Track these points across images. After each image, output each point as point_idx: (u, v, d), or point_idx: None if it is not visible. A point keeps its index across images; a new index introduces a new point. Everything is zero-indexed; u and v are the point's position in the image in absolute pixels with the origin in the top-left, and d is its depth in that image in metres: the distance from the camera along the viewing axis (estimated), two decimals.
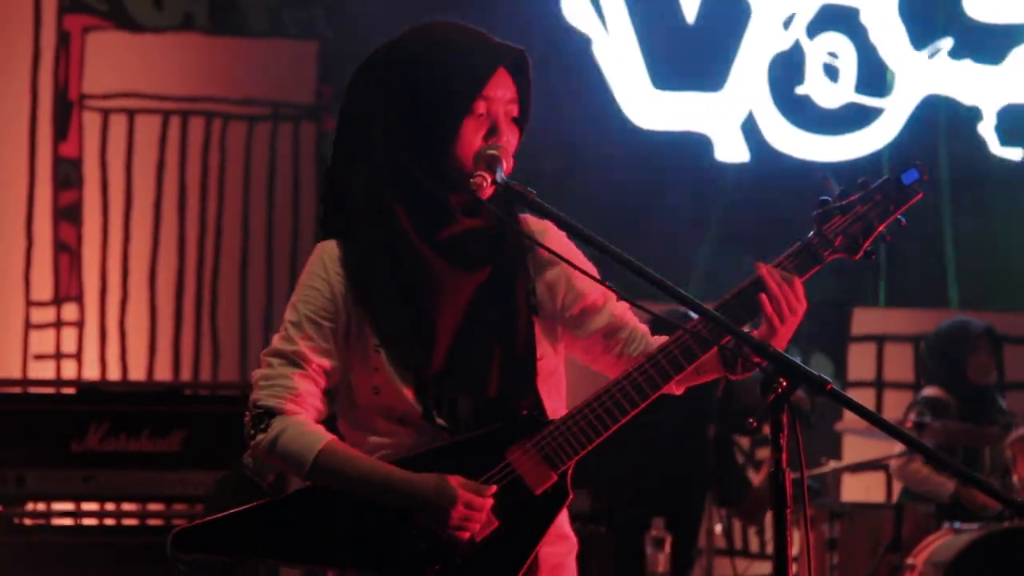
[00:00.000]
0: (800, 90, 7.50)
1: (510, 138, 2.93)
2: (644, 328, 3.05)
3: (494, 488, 2.85)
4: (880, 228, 2.94)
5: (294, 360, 2.88)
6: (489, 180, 2.84)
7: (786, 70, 7.48)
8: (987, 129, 7.59)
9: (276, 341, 2.91)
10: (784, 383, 2.67)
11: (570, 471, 2.90)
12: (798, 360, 2.70)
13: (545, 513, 2.91)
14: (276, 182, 7.47)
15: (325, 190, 2.98)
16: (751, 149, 7.40)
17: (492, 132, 2.92)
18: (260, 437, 2.85)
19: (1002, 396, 7.04)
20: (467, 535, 2.84)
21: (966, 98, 7.60)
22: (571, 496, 2.90)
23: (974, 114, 7.60)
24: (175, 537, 2.89)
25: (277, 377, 2.89)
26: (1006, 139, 7.61)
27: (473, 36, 2.96)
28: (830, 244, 2.95)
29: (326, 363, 2.89)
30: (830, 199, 2.96)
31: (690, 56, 7.48)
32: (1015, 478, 6.50)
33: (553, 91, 6.81)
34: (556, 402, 2.95)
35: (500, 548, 2.89)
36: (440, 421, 2.90)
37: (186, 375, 7.21)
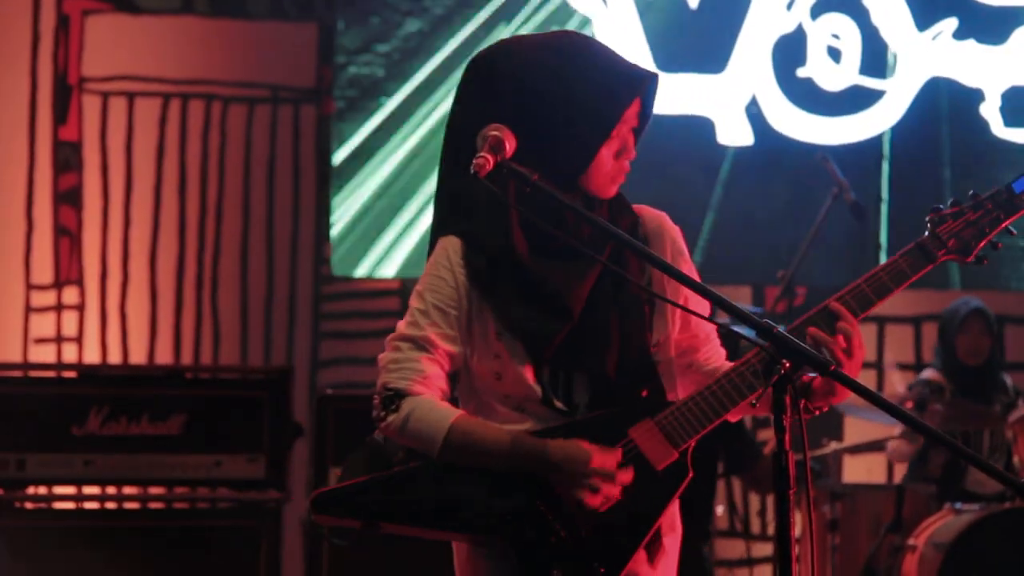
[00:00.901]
0: (802, 72, 7.51)
1: (633, 151, 3.06)
2: (722, 353, 3.19)
3: (620, 452, 2.94)
4: (991, 234, 3.07)
5: (422, 345, 3.00)
6: (492, 161, 2.88)
7: (789, 52, 7.47)
8: (990, 111, 7.57)
9: (403, 327, 3.01)
10: (787, 365, 2.72)
11: (690, 449, 2.98)
12: (799, 340, 2.76)
13: (667, 488, 3.00)
14: (276, 165, 7.47)
15: (441, 191, 3.09)
16: (754, 132, 7.41)
17: (622, 151, 3.06)
18: (391, 418, 2.98)
19: (1006, 375, 7.02)
20: (598, 499, 2.92)
21: (969, 80, 7.63)
22: (691, 474, 2.98)
23: (977, 96, 7.61)
24: (315, 499, 3.01)
25: (406, 361, 3.00)
26: (1010, 120, 7.61)
27: (610, 60, 3.04)
28: (943, 245, 3.06)
29: (452, 348, 3.01)
30: (943, 207, 3.07)
31: (693, 38, 7.48)
32: (1016, 458, 6.56)
33: None
34: (670, 385, 3.06)
35: (623, 521, 2.97)
36: (558, 404, 3.00)
37: (187, 358, 7.24)
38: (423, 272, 3.06)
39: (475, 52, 3.13)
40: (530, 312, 3.01)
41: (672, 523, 3.06)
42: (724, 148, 7.43)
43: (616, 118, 3.02)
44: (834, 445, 6.89)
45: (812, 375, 2.97)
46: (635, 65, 3.05)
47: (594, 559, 2.97)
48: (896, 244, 7.45)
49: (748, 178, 7.41)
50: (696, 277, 3.05)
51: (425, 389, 3.00)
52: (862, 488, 6.91)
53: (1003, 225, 3.08)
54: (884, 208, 7.56)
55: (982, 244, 3.07)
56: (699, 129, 7.38)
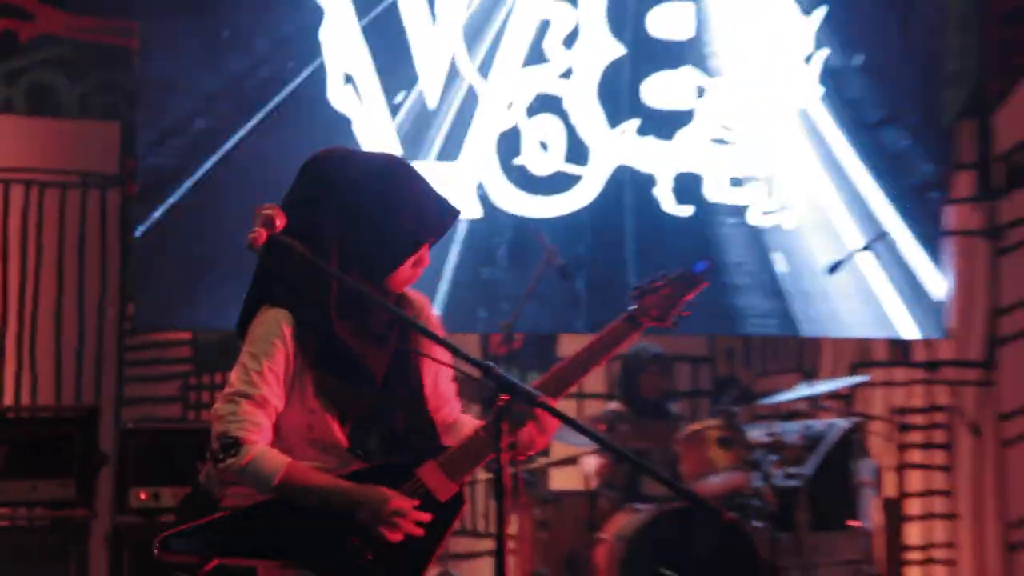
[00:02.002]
0: (518, 160, 7.44)
1: (427, 260, 3.12)
2: (459, 408, 3.27)
3: (417, 501, 2.99)
4: (681, 305, 3.22)
5: (257, 401, 2.96)
6: (264, 235, 2.91)
7: (509, 144, 7.46)
8: (662, 192, 7.57)
9: (239, 384, 2.98)
10: (505, 398, 2.82)
11: (465, 484, 3.06)
12: (516, 378, 2.88)
13: (449, 515, 3.05)
14: (86, 237, 7.34)
15: (268, 265, 3.04)
16: (483, 207, 7.38)
17: (418, 262, 3.10)
18: (230, 461, 2.93)
19: (674, 403, 7.21)
20: (397, 534, 2.96)
21: (646, 167, 7.59)
22: (467, 503, 3.09)
23: (652, 180, 7.58)
24: (161, 541, 2.97)
25: (243, 413, 2.96)
26: (679, 200, 7.57)
27: (425, 194, 3.08)
28: (647, 314, 3.20)
29: (279, 406, 3.00)
30: (643, 285, 3.22)
31: (433, 131, 7.40)
32: (682, 468, 6.72)
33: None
34: (446, 433, 3.16)
35: (416, 544, 3.01)
36: (359, 452, 3.03)
37: (8, 399, 7.04)
38: (253, 334, 3.04)
39: (310, 155, 3.16)
40: (344, 382, 3.03)
41: None
42: (458, 220, 7.36)
43: (422, 244, 3.08)
44: (543, 460, 6.96)
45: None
46: (445, 201, 3.11)
47: None
48: (594, 300, 7.48)
49: (477, 244, 7.34)
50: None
51: (259, 439, 2.97)
52: (565, 494, 7.00)
53: (687, 298, 3.23)
54: (586, 270, 7.47)
55: (674, 313, 3.22)
56: None
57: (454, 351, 2.96)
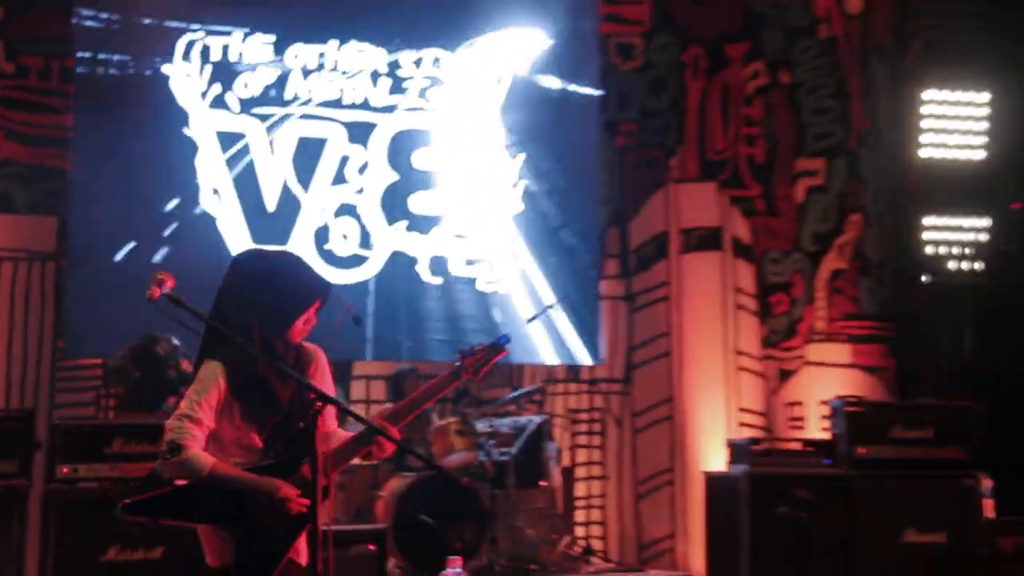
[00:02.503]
0: (328, 246, 7.69)
1: (314, 319, 3.28)
2: (335, 426, 3.37)
3: (298, 491, 3.11)
4: (489, 365, 3.30)
5: (195, 420, 3.11)
6: (158, 292, 3.01)
7: (321, 235, 7.69)
8: (422, 268, 7.86)
9: (185, 409, 3.10)
10: (320, 404, 3.03)
11: (335, 477, 3.18)
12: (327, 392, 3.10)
13: (320, 499, 3.15)
14: (30, 295, 7.35)
15: (211, 329, 3.12)
16: None
17: (308, 320, 3.24)
18: (174, 459, 3.08)
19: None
20: (292, 509, 3.09)
21: (411, 252, 7.85)
22: (333, 490, 3.18)
23: (415, 260, 7.83)
24: (123, 506, 3.07)
25: (186, 428, 3.08)
26: (433, 273, 7.82)
27: (308, 275, 3.20)
28: (466, 371, 3.30)
29: (211, 425, 3.14)
30: (464, 349, 3.28)
31: (270, 224, 7.62)
32: (433, 449, 6.82)
33: (187, 259, 7.08)
34: (324, 441, 3.28)
35: (297, 517, 3.13)
36: (271, 453, 3.19)
37: None
38: (199, 376, 3.12)
39: (236, 255, 3.33)
40: (261, 410, 3.14)
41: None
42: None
43: (307, 308, 3.20)
44: None
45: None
46: (321, 279, 3.27)
47: (280, 540, 3.11)
48: (376, 339, 7.53)
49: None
50: (331, 380, 3.33)
51: (194, 445, 3.08)
52: (356, 466, 6.80)
53: (494, 361, 3.30)
54: (371, 319, 7.62)
55: (485, 370, 3.31)
56: None
57: (310, 388, 3.09)
